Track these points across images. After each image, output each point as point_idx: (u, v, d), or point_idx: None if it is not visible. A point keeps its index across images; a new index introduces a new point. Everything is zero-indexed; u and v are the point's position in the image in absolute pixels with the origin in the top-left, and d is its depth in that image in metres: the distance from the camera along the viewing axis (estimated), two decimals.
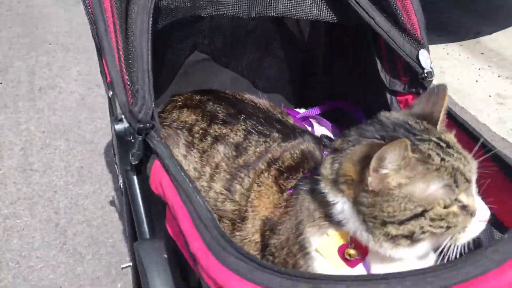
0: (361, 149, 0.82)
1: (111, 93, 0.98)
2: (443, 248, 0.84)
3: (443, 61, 3.64)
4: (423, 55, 1.11)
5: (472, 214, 0.84)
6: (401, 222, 0.80)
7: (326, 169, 0.89)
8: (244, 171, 1.06)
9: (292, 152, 1.08)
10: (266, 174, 1.04)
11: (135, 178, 0.98)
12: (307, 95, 1.44)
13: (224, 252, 0.69)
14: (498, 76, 3.51)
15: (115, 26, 0.90)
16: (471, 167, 0.86)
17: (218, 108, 1.23)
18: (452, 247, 0.83)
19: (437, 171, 0.82)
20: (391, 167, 0.80)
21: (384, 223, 0.81)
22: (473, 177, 0.86)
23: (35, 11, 3.98)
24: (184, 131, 1.18)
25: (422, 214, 0.80)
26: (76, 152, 2.52)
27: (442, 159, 0.83)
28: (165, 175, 0.85)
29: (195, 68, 1.40)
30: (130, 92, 0.90)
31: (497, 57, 3.73)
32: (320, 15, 1.18)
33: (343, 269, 0.87)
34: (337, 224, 0.88)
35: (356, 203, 0.83)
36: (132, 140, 0.90)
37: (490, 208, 0.88)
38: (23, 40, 3.53)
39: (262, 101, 1.27)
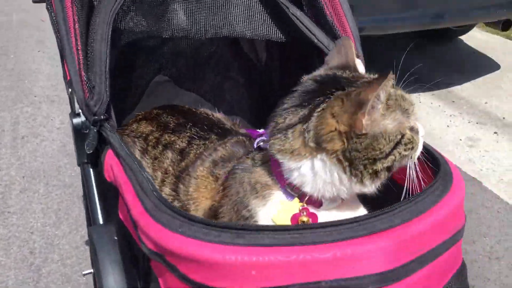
0: (346, 98, 0.85)
1: (70, 90, 1.07)
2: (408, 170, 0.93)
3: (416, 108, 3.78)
4: (358, 64, 1.21)
5: (417, 132, 0.94)
6: (387, 154, 0.87)
7: (281, 144, 0.92)
8: (185, 172, 1.12)
9: (224, 145, 1.14)
10: (201, 168, 1.10)
11: (91, 170, 1.04)
12: (267, 114, 1.51)
13: (160, 212, 0.75)
14: (468, 122, 3.64)
15: (76, 32, 1.00)
16: (408, 98, 0.95)
17: (170, 119, 1.31)
18: (412, 165, 0.93)
19: (396, 101, 0.90)
20: (381, 104, 0.86)
21: (374, 161, 0.87)
22: (412, 108, 0.95)
23: (24, 67, 4.14)
24: (141, 140, 1.25)
25: (400, 141, 0.89)
26: (55, 196, 2.56)
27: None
28: (116, 160, 0.91)
29: (160, 90, 1.49)
30: (87, 88, 0.98)
31: (467, 105, 3.88)
32: (267, 34, 1.29)
33: None
34: (287, 190, 0.93)
35: (343, 153, 0.86)
36: (88, 132, 0.97)
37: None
38: (10, 92, 3.65)
39: (217, 114, 1.35)
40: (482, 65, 4.61)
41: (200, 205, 1.08)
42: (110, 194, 1.00)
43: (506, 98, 4.00)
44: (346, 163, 0.87)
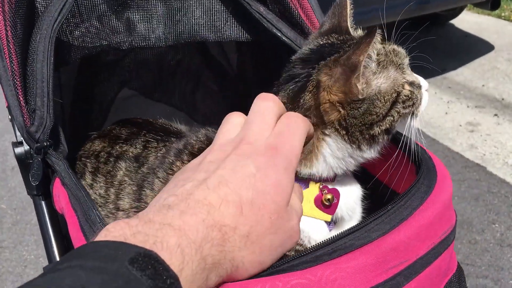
0: (334, 66, 0.78)
1: (9, 117, 0.98)
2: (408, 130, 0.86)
3: None
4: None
5: (419, 86, 0.88)
6: (384, 116, 0.81)
7: None
8: (151, 176, 1.01)
9: (196, 138, 1.03)
10: (178, 163, 0.98)
11: (42, 202, 0.95)
12: None
13: None
14: (467, 107, 3.55)
15: (11, 51, 0.91)
16: (401, 51, 0.89)
17: (122, 130, 1.21)
18: (414, 123, 0.87)
19: (387, 57, 0.84)
20: (374, 62, 0.80)
21: (371, 126, 0.81)
22: (406, 60, 0.89)
23: None
24: (92, 159, 1.15)
25: (396, 99, 0.82)
26: None
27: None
28: (63, 189, 0.82)
29: (127, 104, 1.40)
30: (27, 113, 0.89)
31: (464, 90, 3.79)
32: (232, 35, 1.20)
33: (325, 217, 0.83)
34: (298, 178, 0.84)
35: (339, 123, 0.80)
36: (32, 161, 0.88)
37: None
38: None
39: (179, 126, 1.25)
40: (475, 48, 4.52)
41: None
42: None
43: (503, 79, 3.90)
44: (343, 132, 0.81)
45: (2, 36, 0.91)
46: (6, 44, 0.91)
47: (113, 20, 1.18)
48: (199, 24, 1.21)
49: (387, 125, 0.82)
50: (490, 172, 2.80)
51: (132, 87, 1.42)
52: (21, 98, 0.89)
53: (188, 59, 1.43)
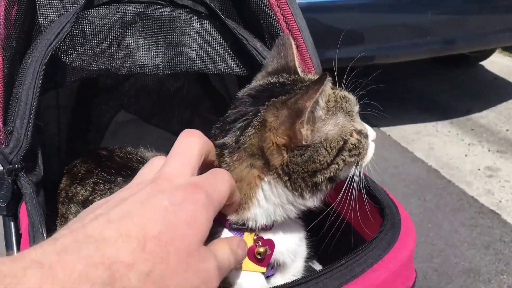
0: (281, 107, 0.75)
1: None
2: (352, 178, 0.84)
3: (432, 138, 3.64)
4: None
5: (366, 136, 0.86)
6: (329, 164, 0.79)
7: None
8: None
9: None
10: None
11: (11, 224, 0.95)
12: None
13: None
14: (488, 150, 3.47)
15: (3, 73, 0.93)
16: (351, 98, 0.87)
17: (81, 167, 1.23)
18: (357, 173, 0.84)
19: (336, 103, 0.82)
20: (321, 110, 0.78)
21: (314, 173, 0.78)
22: (356, 108, 0.87)
23: None
24: (58, 196, 1.16)
25: (343, 147, 0.80)
26: None
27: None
28: (26, 214, 0.83)
29: (126, 128, 1.43)
30: (3, 134, 0.91)
31: (487, 133, 3.71)
32: (229, 68, 1.21)
33: (259, 269, 0.80)
34: (232, 227, 0.79)
35: (281, 168, 0.76)
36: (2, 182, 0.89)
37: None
38: None
39: (146, 153, 1.25)
40: (503, 91, 4.44)
41: None
42: None
43: None
44: (286, 178, 0.77)
45: None
46: None
47: (113, 46, 1.21)
48: (197, 55, 1.24)
49: (331, 173, 0.80)
50: (505, 220, 2.72)
51: (130, 111, 1.44)
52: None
53: (187, 87, 1.45)
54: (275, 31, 1.19)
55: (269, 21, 1.20)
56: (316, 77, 0.86)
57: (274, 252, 0.81)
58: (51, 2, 1.17)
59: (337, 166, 0.80)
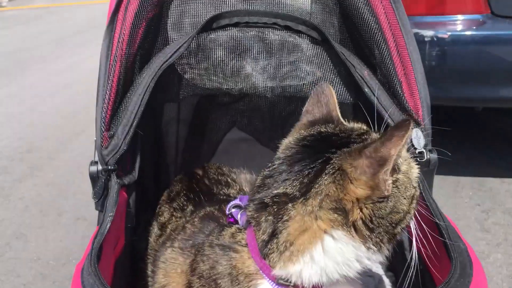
0: (358, 156, 0.72)
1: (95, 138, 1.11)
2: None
3: None
4: (415, 134, 1.05)
5: None
6: (407, 212, 0.76)
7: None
8: (161, 250, 1.02)
9: (193, 221, 1.04)
10: (169, 250, 0.98)
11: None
12: None
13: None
14: None
15: (117, 84, 1.05)
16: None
17: (175, 186, 1.32)
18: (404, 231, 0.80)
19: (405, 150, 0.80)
20: (404, 159, 0.77)
21: (397, 225, 0.75)
22: None
23: None
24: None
25: (413, 195, 0.78)
26: None
27: None
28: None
29: (237, 147, 1.48)
30: (106, 138, 1.01)
31: None
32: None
33: None
34: (278, 282, 0.77)
35: (363, 222, 0.72)
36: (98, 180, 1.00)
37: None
38: None
39: (241, 176, 1.29)
40: None
41: None
42: None
43: None
44: (367, 233, 0.73)
45: (109, 72, 1.05)
46: (116, 81, 1.04)
47: (228, 67, 1.28)
48: (305, 80, 1.25)
49: (407, 223, 0.77)
50: None
51: (243, 129, 1.50)
52: (107, 124, 1.02)
53: (299, 111, 1.45)
54: (382, 61, 1.15)
55: (380, 51, 1.16)
56: (362, 125, 0.84)
57: None
58: (180, 24, 1.27)
59: (410, 215, 0.78)
